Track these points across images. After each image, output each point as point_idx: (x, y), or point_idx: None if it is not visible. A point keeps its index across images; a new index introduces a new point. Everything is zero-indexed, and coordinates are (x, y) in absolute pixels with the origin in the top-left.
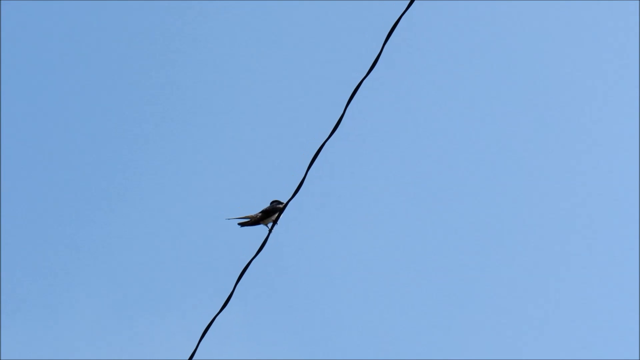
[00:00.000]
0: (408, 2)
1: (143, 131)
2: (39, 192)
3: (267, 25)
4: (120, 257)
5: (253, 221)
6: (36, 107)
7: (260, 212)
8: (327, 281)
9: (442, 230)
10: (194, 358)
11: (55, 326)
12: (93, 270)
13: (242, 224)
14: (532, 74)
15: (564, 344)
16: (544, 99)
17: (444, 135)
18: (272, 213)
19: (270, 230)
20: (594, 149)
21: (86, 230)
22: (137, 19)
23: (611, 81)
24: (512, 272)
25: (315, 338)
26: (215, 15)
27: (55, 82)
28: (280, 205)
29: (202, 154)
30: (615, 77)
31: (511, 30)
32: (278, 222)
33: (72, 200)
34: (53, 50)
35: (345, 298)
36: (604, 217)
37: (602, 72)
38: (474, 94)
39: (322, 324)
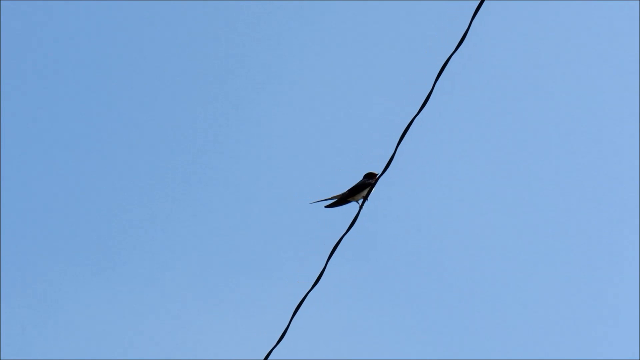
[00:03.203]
0: None
1: (233, 113)
2: (141, 168)
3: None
4: (210, 244)
5: (340, 199)
6: (35, 107)
7: (347, 190)
8: (420, 256)
9: (539, 206)
10: (287, 334)
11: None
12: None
13: (328, 206)
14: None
15: (564, 343)
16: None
17: (539, 111)
18: (361, 189)
19: (360, 207)
20: None
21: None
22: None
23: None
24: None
25: (408, 314)
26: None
27: (56, 83)
28: (371, 181)
29: (295, 136)
30: (615, 77)
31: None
32: (369, 198)
33: (172, 179)
34: (54, 51)
35: (437, 272)
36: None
37: (602, 72)
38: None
39: (415, 299)
